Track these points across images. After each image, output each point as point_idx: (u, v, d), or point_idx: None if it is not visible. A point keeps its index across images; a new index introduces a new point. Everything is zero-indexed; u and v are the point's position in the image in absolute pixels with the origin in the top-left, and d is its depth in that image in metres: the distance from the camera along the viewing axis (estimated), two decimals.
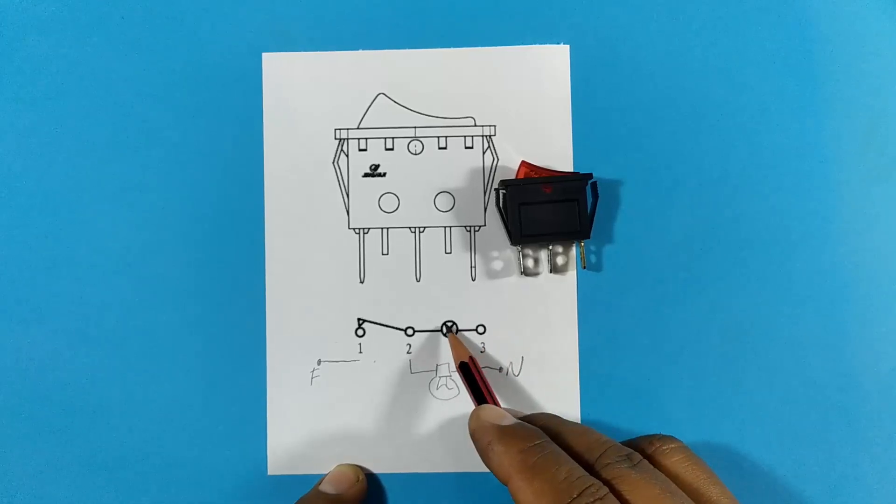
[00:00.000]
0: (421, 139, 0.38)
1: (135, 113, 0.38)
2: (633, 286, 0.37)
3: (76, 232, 0.37)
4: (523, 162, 0.37)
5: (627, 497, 0.29)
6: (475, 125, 0.38)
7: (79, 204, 0.37)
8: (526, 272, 0.37)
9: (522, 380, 0.37)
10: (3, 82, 0.38)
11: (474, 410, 0.34)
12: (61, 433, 0.37)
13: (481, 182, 0.38)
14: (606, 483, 0.29)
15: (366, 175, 0.38)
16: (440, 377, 0.37)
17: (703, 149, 0.37)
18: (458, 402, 0.37)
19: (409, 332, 0.37)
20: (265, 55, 0.38)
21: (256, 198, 0.38)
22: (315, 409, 0.37)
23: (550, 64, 0.38)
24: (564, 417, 0.36)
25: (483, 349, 0.37)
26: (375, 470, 0.37)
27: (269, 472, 0.37)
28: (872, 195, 0.37)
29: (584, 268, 0.37)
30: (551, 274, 0.37)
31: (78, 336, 0.37)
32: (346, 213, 0.38)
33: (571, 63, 0.38)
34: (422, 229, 0.38)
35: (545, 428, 0.33)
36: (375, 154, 0.38)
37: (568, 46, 0.38)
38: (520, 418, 0.34)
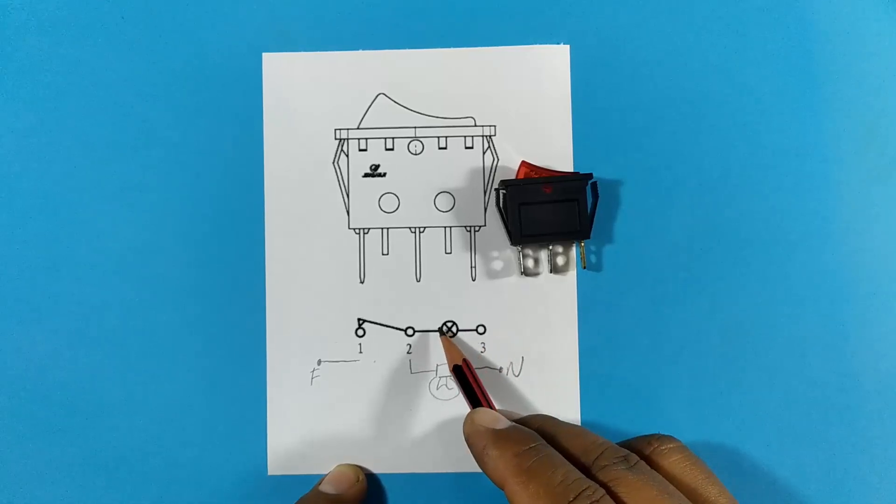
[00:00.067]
0: (421, 139, 0.38)
1: (135, 113, 0.38)
2: (633, 286, 0.37)
3: (76, 232, 0.37)
4: (523, 162, 0.37)
5: (625, 499, 0.29)
6: (475, 125, 0.38)
7: (79, 204, 0.37)
8: (526, 272, 0.37)
9: (522, 380, 0.37)
10: (3, 82, 0.38)
11: (468, 414, 0.34)
12: (61, 433, 0.37)
13: (481, 182, 0.38)
14: (603, 485, 0.29)
15: (366, 175, 0.38)
16: (440, 377, 0.37)
17: (703, 149, 0.37)
18: (458, 402, 0.37)
19: (409, 332, 0.37)
20: (265, 55, 0.38)
21: (256, 198, 0.38)
22: (315, 409, 0.37)
23: (550, 64, 0.38)
24: (564, 418, 0.36)
25: (483, 349, 0.37)
26: (375, 470, 0.37)
27: (269, 472, 0.37)
28: (872, 195, 0.37)
29: (584, 268, 0.37)
30: (551, 274, 0.37)
31: (78, 336, 0.37)
32: (346, 213, 0.38)
33: (571, 63, 0.38)
34: (422, 229, 0.38)
35: (540, 430, 0.33)
36: (375, 154, 0.38)
37: (568, 46, 0.38)
38: (515, 421, 0.34)
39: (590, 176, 0.36)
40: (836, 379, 0.37)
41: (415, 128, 0.38)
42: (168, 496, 0.37)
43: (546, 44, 0.38)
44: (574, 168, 0.37)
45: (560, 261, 0.37)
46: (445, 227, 0.38)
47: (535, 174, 0.37)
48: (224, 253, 0.37)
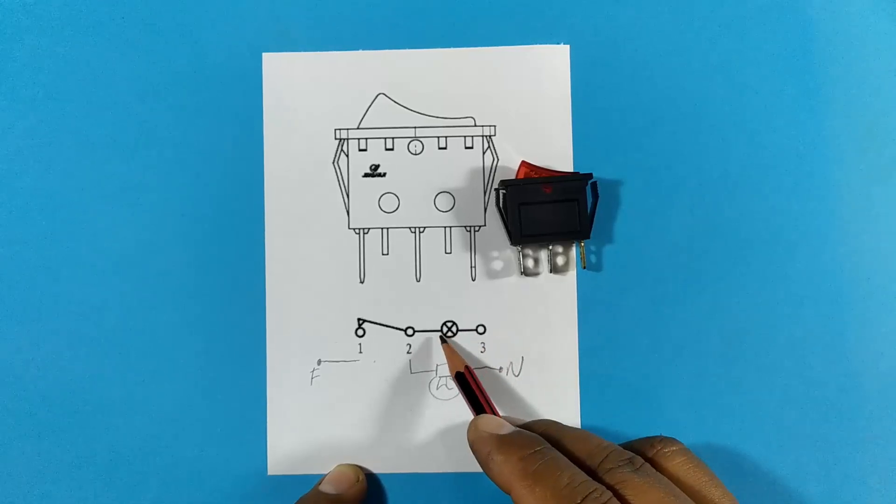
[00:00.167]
0: (421, 139, 0.38)
1: (135, 113, 0.38)
2: (633, 286, 0.37)
3: (76, 232, 0.37)
4: (523, 162, 0.37)
5: (632, 501, 0.29)
6: (475, 125, 0.38)
7: (79, 204, 0.37)
8: (526, 272, 0.37)
9: (522, 380, 0.37)
10: (3, 82, 0.38)
11: (472, 421, 0.34)
12: (61, 433, 0.37)
13: (481, 182, 0.38)
14: (609, 488, 0.29)
15: (366, 175, 0.38)
16: (440, 377, 0.37)
17: (703, 149, 0.37)
18: (458, 402, 0.37)
19: (409, 332, 0.37)
20: (265, 55, 0.38)
21: (256, 198, 0.38)
22: (315, 409, 0.37)
23: (550, 64, 0.38)
24: (563, 418, 0.36)
25: (483, 349, 0.37)
26: (375, 470, 0.37)
27: (269, 472, 0.37)
28: (872, 195, 0.37)
29: (584, 268, 0.37)
30: (551, 274, 0.37)
31: (78, 336, 0.37)
32: (346, 213, 0.38)
33: (571, 63, 0.38)
34: (422, 229, 0.38)
35: (545, 435, 0.33)
36: (375, 154, 0.38)
37: (568, 46, 0.38)
38: (519, 426, 0.34)
39: (590, 176, 0.36)
40: (836, 379, 0.37)
41: (415, 128, 0.38)
42: (168, 496, 0.37)
43: (546, 44, 0.38)
44: (574, 168, 0.37)
45: (560, 261, 0.37)
46: (445, 227, 0.38)
47: (535, 174, 0.37)
48: (224, 253, 0.37)
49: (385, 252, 0.38)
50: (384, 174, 0.38)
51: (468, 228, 0.38)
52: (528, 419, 0.36)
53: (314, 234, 0.38)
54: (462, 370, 0.35)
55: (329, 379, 0.37)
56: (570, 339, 0.37)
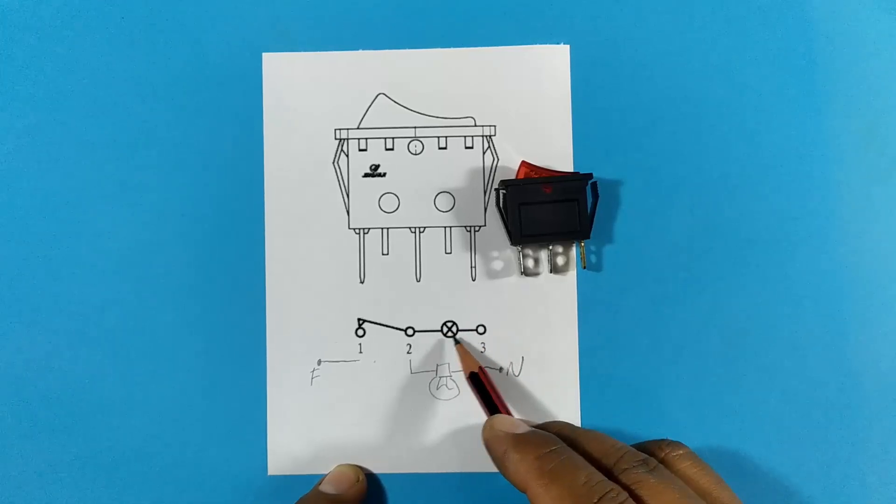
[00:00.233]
0: (421, 139, 0.38)
1: (135, 113, 0.38)
2: (633, 286, 0.37)
3: (76, 232, 0.37)
4: (523, 162, 0.37)
5: (647, 502, 0.29)
6: (475, 125, 0.38)
7: (79, 204, 0.37)
8: (526, 272, 0.37)
9: (522, 380, 0.37)
10: (3, 82, 0.38)
11: (487, 420, 0.34)
12: (61, 433, 0.37)
13: (481, 182, 0.38)
14: (625, 488, 0.29)
15: (366, 175, 0.38)
16: (440, 377, 0.37)
17: (703, 149, 0.37)
18: (458, 402, 0.37)
19: (409, 332, 0.37)
20: (265, 55, 0.38)
21: (256, 198, 0.38)
22: (315, 409, 0.37)
23: (550, 64, 0.38)
24: (564, 418, 0.36)
25: (483, 349, 0.37)
26: (375, 470, 0.37)
27: (269, 472, 0.37)
28: (872, 195, 0.37)
29: (584, 268, 0.37)
30: (551, 274, 0.37)
31: (78, 336, 0.37)
32: (346, 213, 0.38)
33: (571, 63, 0.38)
34: (422, 229, 0.38)
35: (559, 435, 0.33)
36: (375, 154, 0.38)
37: (568, 46, 0.38)
38: (533, 426, 0.34)
39: (590, 176, 0.36)
40: (836, 379, 0.37)
41: (415, 128, 0.38)
42: (168, 496, 0.37)
43: (546, 44, 0.38)
44: (574, 168, 0.37)
45: (560, 261, 0.37)
46: (445, 227, 0.38)
47: (535, 174, 0.37)
48: (224, 253, 0.37)
49: (385, 252, 0.38)
50: (384, 174, 0.38)
51: (468, 228, 0.38)
52: (529, 420, 0.36)
53: (314, 234, 0.38)
54: (476, 371, 0.35)
55: (329, 379, 0.37)
56: (570, 339, 0.37)
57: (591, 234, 0.36)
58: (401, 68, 0.38)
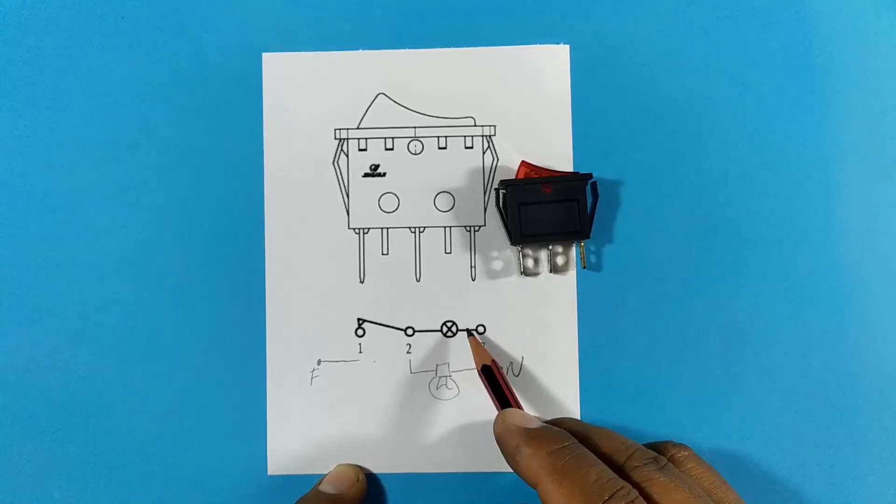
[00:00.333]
0: (421, 139, 0.38)
1: (135, 113, 0.38)
2: (633, 286, 0.37)
3: (76, 232, 0.37)
4: (523, 162, 0.37)
5: (658, 500, 0.29)
6: (475, 125, 0.38)
7: (79, 204, 0.37)
8: (526, 272, 0.37)
9: (522, 380, 0.37)
10: (3, 82, 0.38)
11: (499, 414, 0.34)
12: (61, 433, 0.37)
13: (481, 182, 0.38)
14: (635, 486, 0.29)
15: (366, 175, 0.38)
16: (440, 377, 0.37)
17: (703, 149, 0.37)
18: (458, 402, 0.37)
19: (409, 332, 0.37)
20: (265, 55, 0.38)
21: (256, 198, 0.38)
22: (315, 409, 0.37)
23: (550, 64, 0.38)
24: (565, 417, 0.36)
25: None
26: (375, 470, 0.37)
27: (269, 472, 0.37)
28: (872, 195, 0.37)
29: (584, 268, 0.37)
30: (551, 274, 0.37)
31: (78, 336, 0.37)
32: (346, 213, 0.38)
33: (571, 63, 0.38)
34: (422, 229, 0.38)
35: (570, 431, 0.33)
36: (375, 154, 0.38)
37: (568, 46, 0.38)
38: (544, 422, 0.34)
39: (590, 176, 0.36)
40: (836, 379, 0.37)
41: (415, 128, 0.38)
42: (168, 496, 0.37)
43: (546, 44, 0.38)
44: (574, 168, 0.37)
45: (560, 261, 0.37)
46: (445, 227, 0.38)
47: (535, 174, 0.37)
48: (224, 253, 0.37)
49: (385, 252, 0.38)
50: (384, 174, 0.38)
51: (468, 228, 0.38)
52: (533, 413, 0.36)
53: (314, 234, 0.38)
54: (489, 364, 0.35)
55: (329, 379, 0.37)
56: (570, 339, 0.37)
57: (591, 234, 0.36)
58: (401, 68, 0.38)
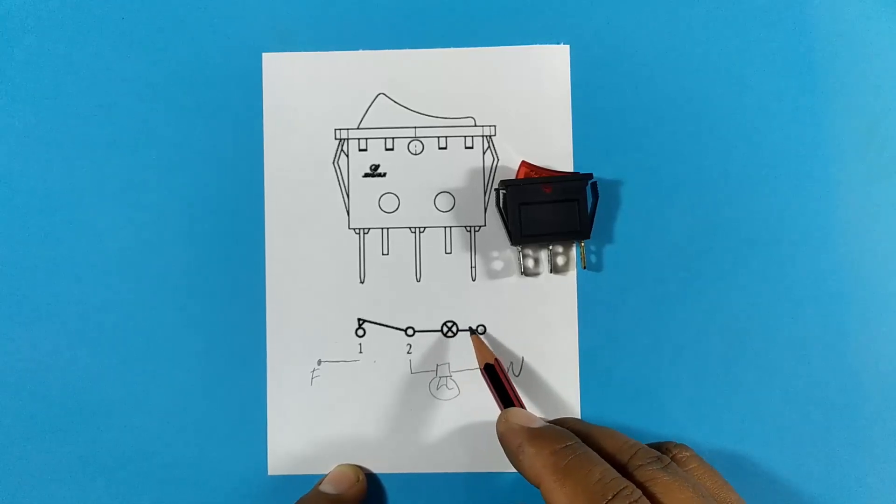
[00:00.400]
0: (421, 139, 0.38)
1: (134, 113, 0.38)
2: (633, 286, 0.37)
3: (76, 232, 0.37)
4: (523, 162, 0.37)
5: (661, 499, 0.29)
6: (475, 125, 0.38)
7: (79, 204, 0.37)
8: (526, 272, 0.37)
9: (522, 380, 0.37)
10: (3, 82, 0.38)
11: (502, 413, 0.34)
12: (61, 433, 0.37)
13: (481, 182, 0.38)
14: (639, 485, 0.29)
15: (366, 175, 0.38)
16: (440, 377, 0.37)
17: (703, 149, 0.37)
18: (458, 402, 0.37)
19: (410, 332, 0.37)
20: (265, 55, 0.38)
21: (256, 198, 0.38)
22: (315, 409, 0.37)
23: (550, 64, 0.38)
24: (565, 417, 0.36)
25: None
26: (375, 470, 0.37)
27: (269, 472, 0.37)
28: (872, 195, 0.37)
29: (584, 268, 0.37)
30: (551, 274, 0.37)
31: (78, 336, 0.37)
32: (346, 213, 0.38)
33: (571, 63, 0.38)
34: (422, 229, 0.38)
35: (573, 430, 0.33)
36: (375, 154, 0.38)
37: (568, 46, 0.38)
38: (547, 422, 0.34)
39: (590, 176, 0.36)
40: (836, 379, 0.37)
41: (415, 128, 0.38)
42: (168, 496, 0.37)
43: (546, 44, 0.38)
44: (574, 168, 0.37)
45: (560, 261, 0.37)
46: (445, 227, 0.38)
47: (535, 174, 0.37)
48: (224, 253, 0.37)
49: (385, 252, 0.38)
50: (384, 174, 0.38)
51: (468, 228, 0.38)
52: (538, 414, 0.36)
53: (314, 234, 0.38)
54: (492, 362, 0.35)
55: (329, 379, 0.37)
56: (570, 339, 0.37)
57: (591, 234, 0.36)
58: (401, 68, 0.38)
